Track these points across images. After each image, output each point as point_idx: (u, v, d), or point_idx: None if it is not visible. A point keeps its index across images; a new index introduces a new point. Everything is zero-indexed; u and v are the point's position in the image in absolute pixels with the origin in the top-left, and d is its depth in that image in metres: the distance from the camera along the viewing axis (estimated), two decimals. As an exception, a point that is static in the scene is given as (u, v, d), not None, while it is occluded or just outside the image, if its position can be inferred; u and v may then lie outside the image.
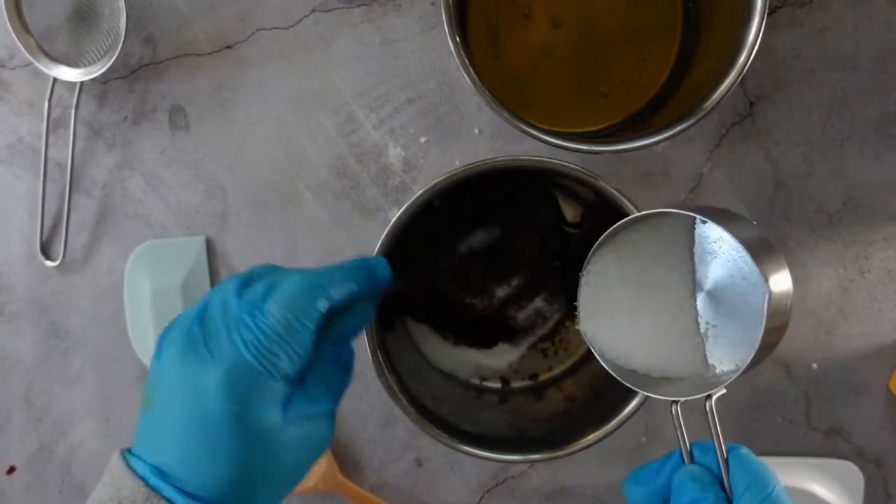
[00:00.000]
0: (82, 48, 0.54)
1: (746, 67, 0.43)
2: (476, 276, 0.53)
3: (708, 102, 0.43)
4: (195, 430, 0.30)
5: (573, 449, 0.44)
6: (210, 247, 0.57)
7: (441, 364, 0.54)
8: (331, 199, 0.56)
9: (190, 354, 0.31)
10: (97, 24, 0.54)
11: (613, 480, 0.57)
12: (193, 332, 0.32)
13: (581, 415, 0.49)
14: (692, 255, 0.35)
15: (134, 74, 0.56)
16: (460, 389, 0.54)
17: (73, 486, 0.60)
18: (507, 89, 0.51)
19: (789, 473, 0.55)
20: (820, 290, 0.55)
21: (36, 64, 0.54)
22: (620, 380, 0.36)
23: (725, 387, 0.33)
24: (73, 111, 0.55)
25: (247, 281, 0.33)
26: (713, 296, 0.34)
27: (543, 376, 0.54)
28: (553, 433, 0.47)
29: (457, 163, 0.55)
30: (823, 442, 0.56)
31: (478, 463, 0.57)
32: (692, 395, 0.33)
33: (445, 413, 0.47)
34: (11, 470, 0.60)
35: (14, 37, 0.53)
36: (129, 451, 0.31)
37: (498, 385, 0.54)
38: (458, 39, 0.43)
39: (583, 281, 0.37)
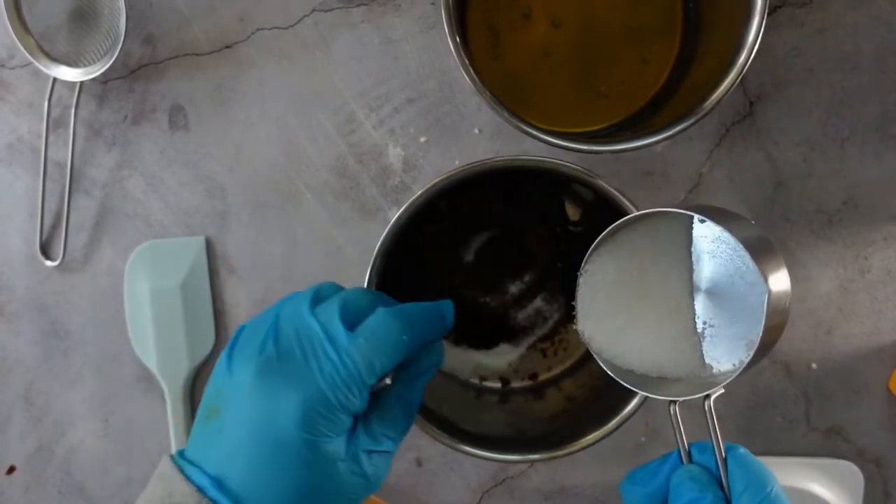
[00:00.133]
0: (82, 48, 0.54)
1: (746, 67, 0.43)
2: (488, 274, 0.53)
3: (708, 102, 0.43)
4: (264, 450, 0.30)
5: (573, 449, 0.44)
6: (210, 247, 0.57)
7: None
8: (331, 199, 0.56)
9: (266, 375, 0.31)
10: (97, 24, 0.54)
11: (613, 480, 0.57)
12: (268, 350, 0.32)
13: (581, 415, 0.49)
14: (690, 254, 0.35)
15: (134, 74, 0.56)
16: (460, 389, 0.54)
17: (73, 486, 0.60)
18: (507, 89, 0.51)
19: (789, 473, 0.55)
20: (820, 290, 0.55)
21: (36, 64, 0.54)
22: (618, 379, 0.36)
23: (724, 386, 0.33)
24: (72, 111, 0.55)
25: (317, 299, 0.33)
26: (711, 295, 0.34)
27: (543, 376, 0.54)
28: (553, 433, 0.47)
29: (457, 163, 0.55)
30: (823, 442, 0.56)
31: (477, 463, 0.57)
32: (690, 395, 0.33)
33: (445, 413, 0.47)
34: (11, 470, 0.60)
35: (14, 37, 0.53)
36: (180, 456, 0.32)
37: (498, 385, 0.54)
38: (458, 39, 0.43)
39: (581, 281, 0.37)
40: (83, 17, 0.54)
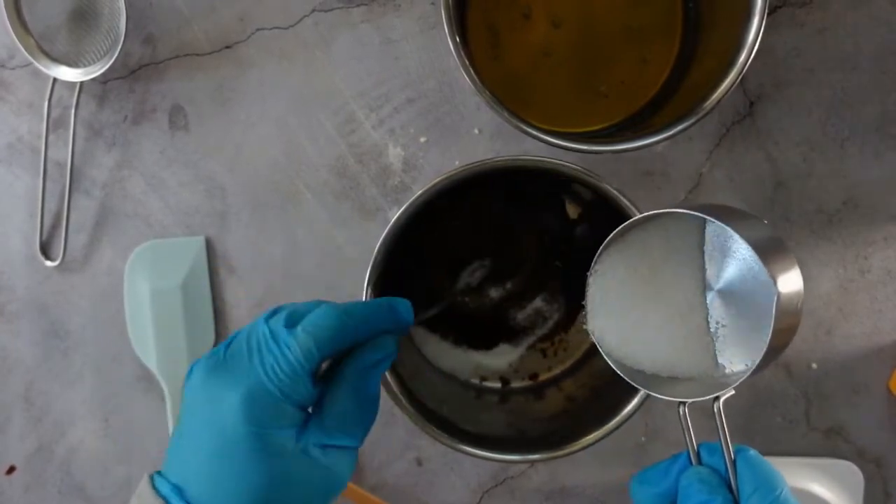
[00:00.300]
0: (82, 48, 0.54)
1: (746, 67, 0.43)
2: (488, 274, 0.53)
3: (708, 102, 0.43)
4: (214, 448, 0.31)
5: (573, 449, 0.44)
6: (210, 247, 0.57)
7: (441, 364, 0.54)
8: (331, 199, 0.56)
9: (212, 375, 0.32)
10: (97, 24, 0.54)
11: (613, 480, 0.57)
12: (219, 354, 0.33)
13: (581, 415, 0.49)
14: (702, 253, 0.35)
15: (134, 74, 0.56)
16: (460, 389, 0.54)
17: (73, 485, 0.60)
18: (507, 89, 0.51)
19: (789, 473, 0.55)
20: (820, 290, 0.55)
21: (36, 64, 0.54)
22: (628, 380, 0.35)
23: (733, 388, 0.32)
24: (72, 111, 0.55)
25: (278, 311, 0.34)
26: (724, 295, 0.34)
27: (543, 376, 0.54)
28: (553, 433, 0.47)
29: (457, 163, 0.55)
30: (823, 442, 0.56)
31: (478, 463, 0.57)
32: (700, 396, 0.33)
33: (445, 413, 0.47)
34: (11, 470, 0.60)
35: (14, 37, 0.53)
36: (159, 472, 0.32)
37: (498, 385, 0.54)
38: (457, 39, 0.43)
39: (590, 280, 0.36)
40: (83, 17, 0.54)
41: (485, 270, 0.53)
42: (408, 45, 0.54)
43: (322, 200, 0.56)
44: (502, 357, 0.54)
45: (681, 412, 0.33)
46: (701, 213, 0.32)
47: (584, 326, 0.37)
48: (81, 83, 0.54)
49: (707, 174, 0.54)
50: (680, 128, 0.43)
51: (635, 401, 0.43)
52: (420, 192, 0.42)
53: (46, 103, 0.55)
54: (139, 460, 0.59)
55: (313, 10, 0.54)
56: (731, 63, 0.43)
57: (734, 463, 0.31)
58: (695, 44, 0.50)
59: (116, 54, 0.52)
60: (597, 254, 0.36)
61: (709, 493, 0.30)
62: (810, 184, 0.54)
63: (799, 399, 0.56)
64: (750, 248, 0.30)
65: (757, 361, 0.31)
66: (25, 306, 0.59)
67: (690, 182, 0.54)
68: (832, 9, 0.52)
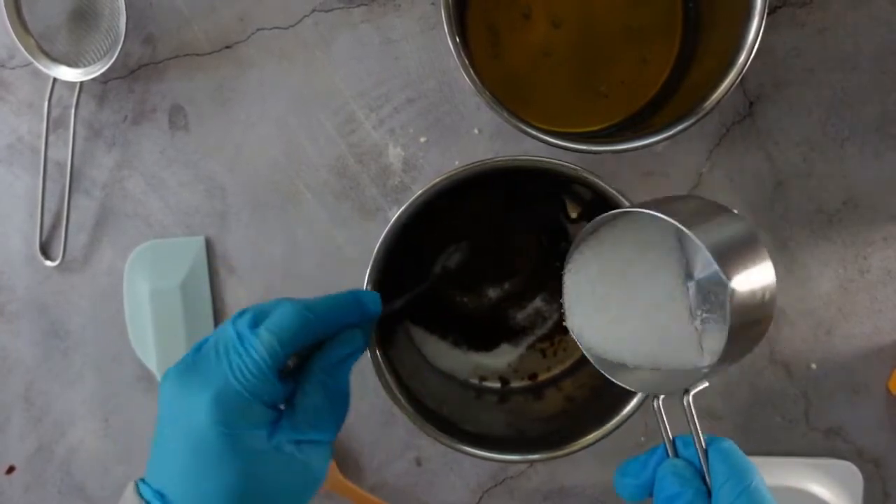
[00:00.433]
0: (82, 48, 0.54)
1: (746, 67, 0.43)
2: (475, 276, 0.53)
3: (708, 102, 0.43)
4: (186, 451, 0.31)
5: (572, 449, 0.44)
6: (210, 247, 0.57)
7: (441, 364, 0.54)
8: (331, 199, 0.56)
9: (182, 380, 0.32)
10: (97, 24, 0.54)
11: (612, 480, 0.57)
12: (188, 359, 0.33)
13: (580, 415, 0.49)
14: (681, 243, 0.35)
15: (134, 74, 0.56)
16: (460, 389, 0.54)
17: (73, 485, 0.60)
18: (507, 89, 0.51)
19: (788, 473, 0.55)
20: (820, 290, 0.55)
21: (36, 64, 0.54)
22: (607, 375, 0.36)
23: (718, 383, 0.32)
24: (72, 111, 0.55)
25: (244, 312, 0.34)
26: (702, 284, 0.34)
27: (542, 376, 0.54)
28: (552, 433, 0.47)
29: (457, 163, 0.55)
30: (823, 442, 0.56)
31: (477, 463, 0.57)
32: (680, 388, 0.33)
33: (445, 413, 0.47)
34: (11, 470, 0.60)
35: (14, 37, 0.53)
36: (143, 479, 0.33)
37: (497, 385, 0.54)
38: (457, 39, 0.43)
39: (565, 279, 0.37)
40: (83, 17, 0.54)
41: (462, 254, 0.53)
42: (408, 45, 0.54)
43: (322, 200, 0.56)
44: (502, 357, 0.54)
45: (655, 406, 0.33)
46: (657, 211, 0.32)
47: (564, 323, 0.37)
48: (81, 83, 0.54)
49: (707, 174, 0.54)
50: (680, 128, 0.43)
51: (635, 401, 0.43)
52: (420, 192, 0.42)
53: (46, 103, 0.55)
54: (139, 460, 0.59)
55: (313, 10, 0.54)
56: (731, 63, 0.43)
57: (706, 454, 0.31)
58: (695, 44, 0.50)
59: (116, 54, 0.52)
60: (569, 253, 0.36)
61: (680, 486, 0.31)
62: (810, 184, 0.54)
63: (799, 399, 0.56)
64: (703, 246, 0.30)
65: (719, 354, 0.31)
66: (25, 306, 0.59)
67: (690, 182, 0.54)
68: (832, 9, 0.52)
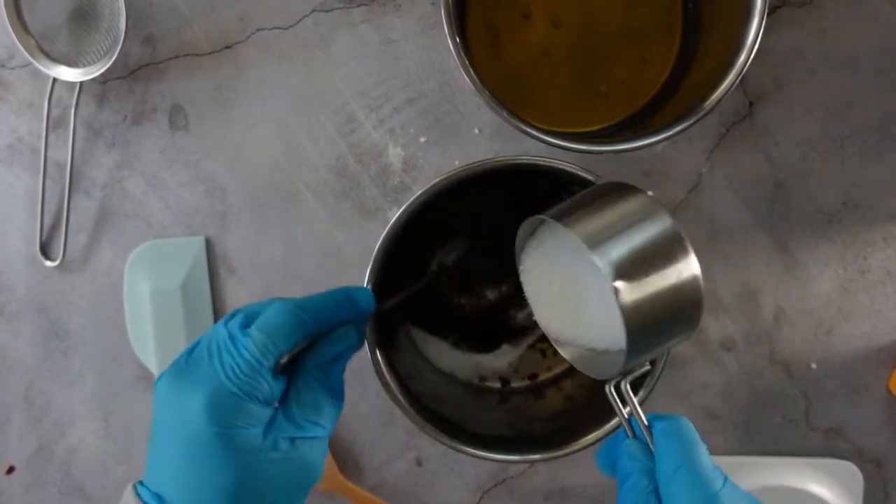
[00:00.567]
0: (82, 48, 0.54)
1: (746, 67, 0.43)
2: (475, 276, 0.53)
3: (708, 102, 0.43)
4: (182, 452, 0.31)
5: (573, 449, 0.44)
6: (210, 247, 0.57)
7: (441, 364, 0.54)
8: (331, 199, 0.56)
9: (176, 382, 0.32)
10: (97, 24, 0.54)
11: (613, 481, 0.57)
12: (181, 362, 0.33)
13: (581, 415, 0.49)
14: None
15: (134, 74, 0.56)
16: (460, 389, 0.54)
17: (73, 485, 0.60)
18: (507, 89, 0.51)
19: (788, 473, 0.55)
20: (820, 290, 0.55)
21: (36, 64, 0.54)
22: (573, 363, 0.37)
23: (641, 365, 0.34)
24: (72, 111, 0.55)
25: (236, 313, 0.34)
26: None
27: (543, 376, 0.54)
28: (553, 433, 0.47)
29: (457, 163, 0.55)
30: (823, 442, 0.56)
31: (477, 463, 0.57)
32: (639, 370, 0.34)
33: (445, 413, 0.47)
34: (11, 470, 0.60)
35: (14, 37, 0.53)
36: (141, 481, 0.33)
37: (498, 385, 0.54)
38: (457, 39, 0.43)
39: (522, 280, 0.39)
40: (83, 17, 0.54)
41: (459, 251, 0.53)
42: (408, 45, 0.54)
43: (322, 200, 0.56)
44: (502, 357, 0.54)
45: (606, 389, 0.34)
46: (552, 216, 0.33)
47: (533, 318, 0.39)
48: (81, 83, 0.54)
49: (707, 174, 0.54)
50: (680, 128, 0.43)
51: (635, 401, 0.43)
52: (420, 192, 0.42)
53: (46, 103, 0.55)
54: (139, 460, 0.59)
55: (313, 11, 0.54)
56: (731, 63, 0.43)
57: (651, 433, 0.33)
58: (695, 44, 0.50)
59: (116, 54, 0.52)
60: (516, 257, 0.38)
61: (631, 465, 0.32)
62: (810, 184, 0.54)
63: (799, 399, 0.56)
64: (585, 247, 0.31)
65: (623, 345, 0.32)
66: (25, 306, 0.59)
67: (690, 182, 0.54)
68: (832, 9, 0.52)
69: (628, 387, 0.34)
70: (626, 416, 0.34)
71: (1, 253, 0.58)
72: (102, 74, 0.53)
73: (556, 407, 0.52)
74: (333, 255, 0.56)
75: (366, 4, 0.54)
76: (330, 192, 0.56)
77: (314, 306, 0.34)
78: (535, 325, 0.54)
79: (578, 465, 0.57)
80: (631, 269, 0.31)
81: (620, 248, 0.31)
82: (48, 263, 0.57)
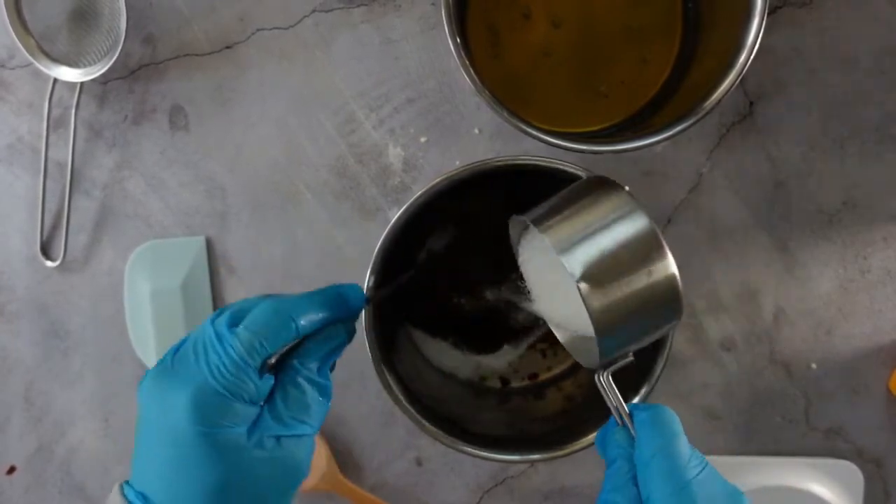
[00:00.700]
0: (82, 48, 0.54)
1: (746, 67, 0.43)
2: (488, 274, 0.53)
3: (708, 102, 0.43)
4: (167, 452, 0.31)
5: (573, 449, 0.44)
6: (210, 247, 0.57)
7: (441, 364, 0.54)
8: (331, 199, 0.56)
9: (160, 381, 0.32)
10: (97, 24, 0.54)
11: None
12: (166, 360, 0.33)
13: (581, 415, 0.49)
14: None
15: (134, 74, 0.56)
16: (460, 389, 0.54)
17: (73, 485, 0.60)
18: (507, 89, 0.51)
19: (789, 473, 0.55)
20: (820, 290, 0.55)
21: (36, 64, 0.54)
22: (565, 346, 0.39)
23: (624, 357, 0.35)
24: (73, 111, 0.55)
25: (223, 311, 0.34)
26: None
27: (543, 376, 0.54)
28: (553, 433, 0.48)
29: (457, 163, 0.55)
30: (823, 442, 0.56)
31: (477, 463, 0.57)
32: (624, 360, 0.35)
33: (445, 413, 0.47)
34: (11, 470, 0.60)
35: (14, 37, 0.53)
36: (128, 481, 0.33)
37: (498, 385, 0.54)
38: (458, 39, 0.43)
39: (521, 270, 0.39)
40: (83, 18, 0.54)
41: (447, 238, 0.52)
42: (408, 45, 0.54)
43: (322, 200, 0.56)
44: (502, 357, 0.54)
45: (596, 378, 0.35)
46: (530, 216, 0.34)
47: (532, 309, 0.39)
48: (82, 83, 0.54)
49: (707, 174, 0.54)
50: (680, 128, 0.43)
51: (635, 400, 0.43)
52: (420, 192, 0.42)
53: (47, 103, 0.55)
54: (139, 460, 0.59)
55: (313, 11, 0.54)
56: (731, 63, 0.43)
57: (633, 422, 0.33)
58: (695, 44, 0.50)
59: (116, 54, 0.52)
60: (514, 248, 0.39)
61: (615, 452, 0.33)
62: (810, 184, 0.54)
63: (799, 399, 0.56)
64: (551, 246, 0.32)
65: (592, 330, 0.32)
66: (25, 306, 0.59)
67: (690, 182, 0.54)
68: (832, 9, 0.52)
69: (610, 377, 0.34)
70: (614, 404, 0.34)
71: (1, 253, 0.58)
72: (103, 75, 0.53)
73: (556, 407, 0.52)
74: (333, 255, 0.56)
75: (366, 4, 0.54)
76: (330, 192, 0.56)
77: (303, 305, 0.34)
78: (535, 325, 0.54)
79: (578, 465, 0.57)
80: (600, 269, 0.32)
81: (590, 250, 0.32)
82: (48, 263, 0.57)
